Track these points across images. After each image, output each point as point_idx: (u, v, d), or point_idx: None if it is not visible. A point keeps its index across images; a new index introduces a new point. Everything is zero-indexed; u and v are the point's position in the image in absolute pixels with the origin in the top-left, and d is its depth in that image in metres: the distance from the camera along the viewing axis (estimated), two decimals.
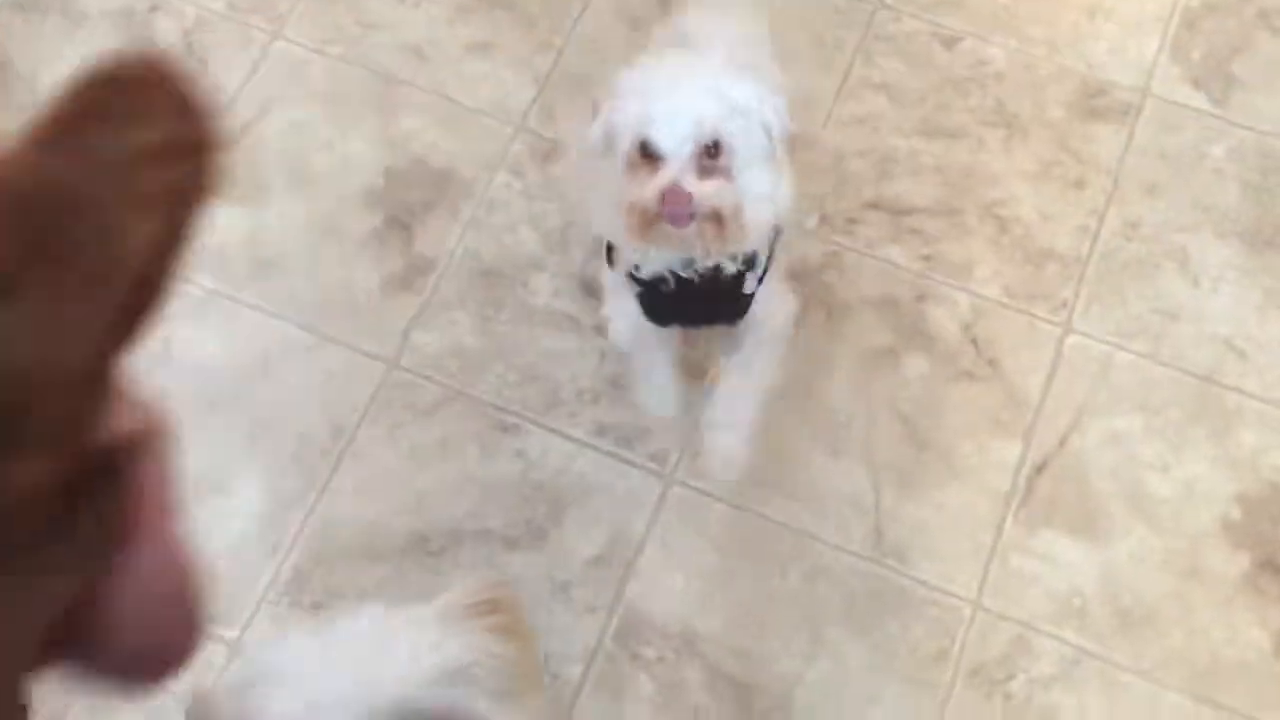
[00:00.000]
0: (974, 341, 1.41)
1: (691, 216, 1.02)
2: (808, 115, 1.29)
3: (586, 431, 1.37)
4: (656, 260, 1.13)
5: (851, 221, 1.48)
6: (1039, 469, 1.33)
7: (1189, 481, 1.32)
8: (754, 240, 1.12)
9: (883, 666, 1.24)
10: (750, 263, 1.16)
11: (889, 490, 1.33)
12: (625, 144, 1.05)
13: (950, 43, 1.58)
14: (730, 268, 1.14)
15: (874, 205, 1.49)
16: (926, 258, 1.45)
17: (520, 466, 1.36)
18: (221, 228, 1.47)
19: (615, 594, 1.29)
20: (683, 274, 1.13)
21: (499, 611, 0.81)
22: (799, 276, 1.44)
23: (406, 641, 0.74)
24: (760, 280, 1.19)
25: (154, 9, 1.62)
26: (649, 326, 1.23)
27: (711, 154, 1.03)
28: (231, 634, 1.26)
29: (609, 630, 1.26)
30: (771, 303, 1.22)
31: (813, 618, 1.27)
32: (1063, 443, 1.34)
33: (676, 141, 1.02)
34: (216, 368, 1.40)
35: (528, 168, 1.52)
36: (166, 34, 1.60)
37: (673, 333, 1.28)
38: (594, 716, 1.24)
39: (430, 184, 1.51)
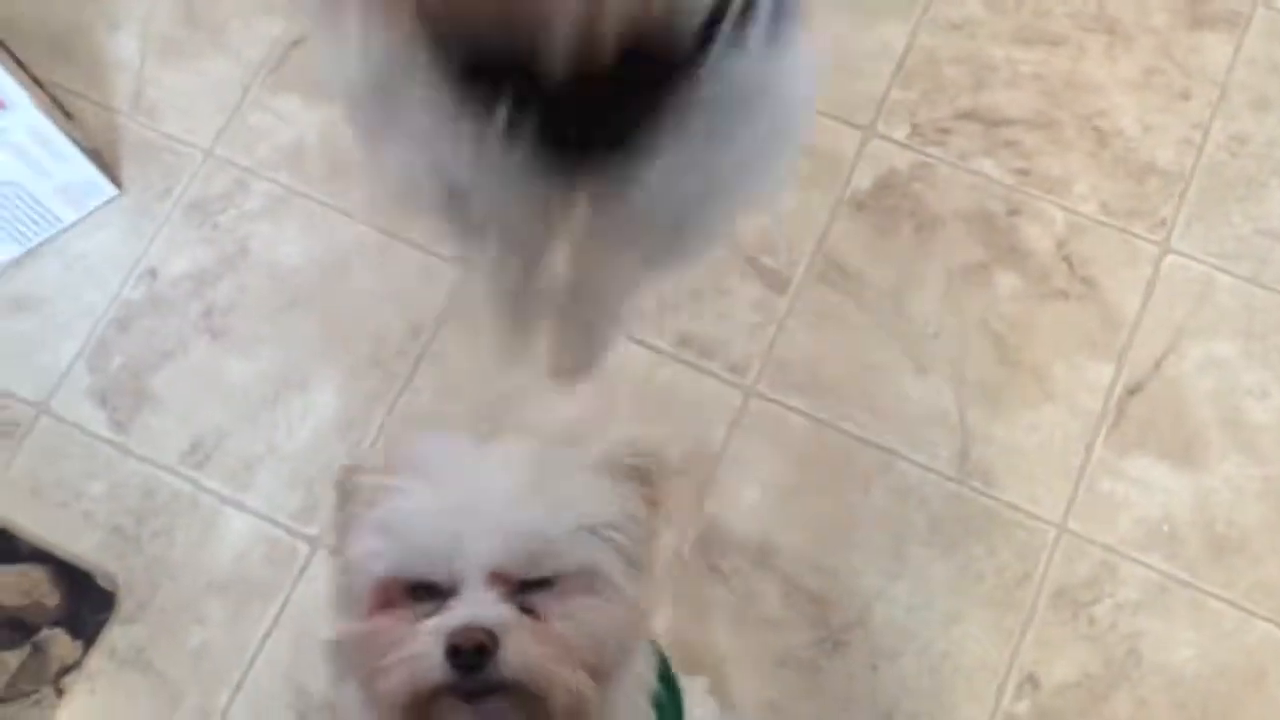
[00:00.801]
0: (1068, 259, 1.36)
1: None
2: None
3: (669, 342, 1.35)
4: None
5: (944, 131, 1.43)
6: (1133, 391, 1.30)
7: None
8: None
9: (965, 588, 1.22)
10: None
11: (976, 409, 1.30)
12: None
13: None
14: None
15: (968, 115, 1.43)
16: (1022, 171, 1.40)
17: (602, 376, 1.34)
18: (296, 120, 1.45)
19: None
20: None
21: (650, 483, 0.70)
22: (888, 186, 1.40)
23: (557, 481, 0.67)
24: None
25: None
26: None
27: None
28: (312, 531, 1.27)
29: (686, 541, 1.25)
30: None
31: (895, 536, 1.25)
32: (1158, 366, 1.31)
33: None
34: (295, 267, 1.39)
35: None
36: None
37: None
38: (670, 627, 1.25)
39: None
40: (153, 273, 1.39)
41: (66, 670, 1.23)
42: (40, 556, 1.25)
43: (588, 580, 0.64)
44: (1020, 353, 1.32)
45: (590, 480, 0.68)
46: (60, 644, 1.23)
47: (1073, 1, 1.48)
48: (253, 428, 1.32)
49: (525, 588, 0.63)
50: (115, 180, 1.41)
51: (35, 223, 1.36)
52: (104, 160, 1.41)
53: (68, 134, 1.31)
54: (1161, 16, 1.47)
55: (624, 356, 1.34)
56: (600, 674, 0.62)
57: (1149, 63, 1.45)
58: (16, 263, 1.39)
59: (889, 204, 1.40)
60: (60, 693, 1.23)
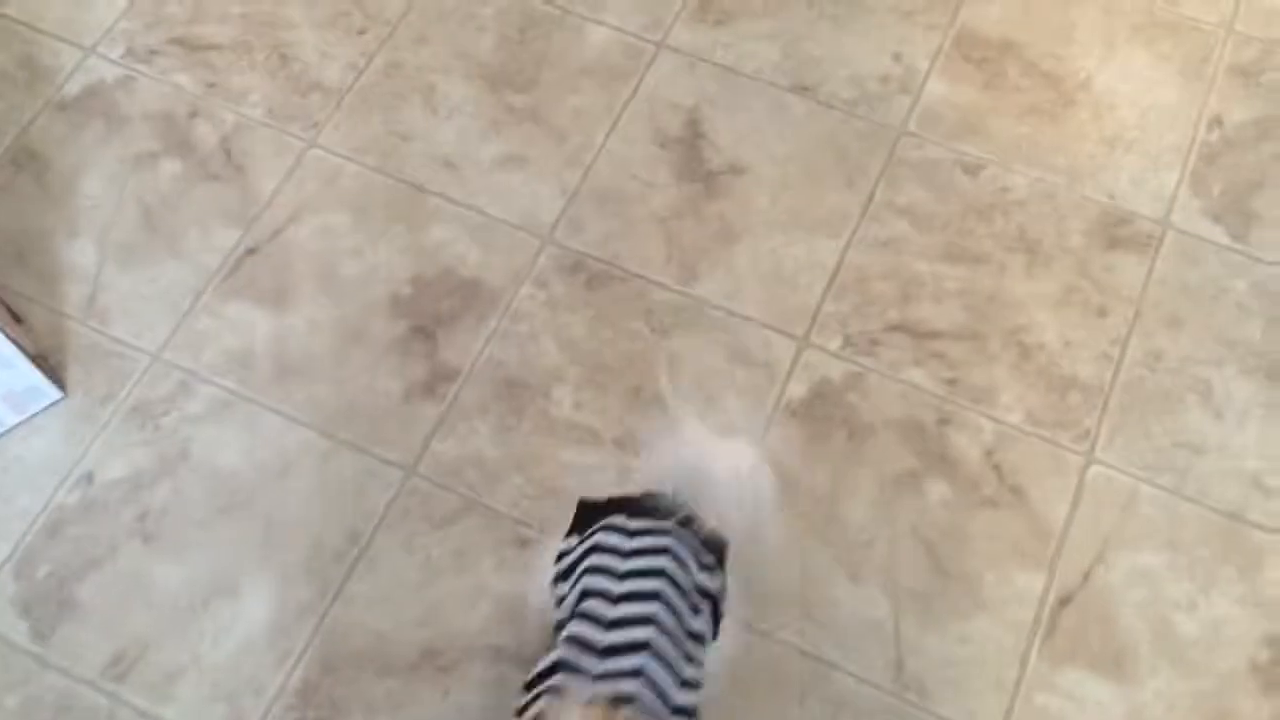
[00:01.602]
0: (997, 468, 1.40)
1: None
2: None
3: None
4: None
5: (874, 343, 1.48)
6: (1064, 602, 1.31)
7: (1217, 622, 1.29)
8: None
9: None
10: None
11: (910, 619, 1.30)
12: None
13: (973, 170, 1.61)
14: None
15: (897, 328, 1.49)
16: (950, 381, 1.45)
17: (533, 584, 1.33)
18: (246, 329, 1.49)
19: None
20: None
21: None
22: (822, 395, 1.44)
23: None
24: None
25: (194, 115, 1.66)
26: None
27: None
28: None
29: None
30: None
31: None
32: (1087, 576, 1.32)
33: None
34: (234, 471, 1.40)
35: (553, 280, 1.53)
36: (205, 139, 1.64)
37: None
38: None
39: (457, 293, 1.52)
40: (89, 477, 1.39)
41: None
42: None
43: None
44: (952, 561, 1.34)
45: None
46: None
47: (995, 223, 1.57)
48: (179, 637, 1.30)
49: None
50: (60, 384, 1.42)
51: None
52: (50, 364, 1.43)
53: (14, 340, 1.33)
54: (1078, 238, 1.56)
55: None
56: None
57: (1068, 281, 1.53)
58: None
59: (823, 412, 1.44)
60: None
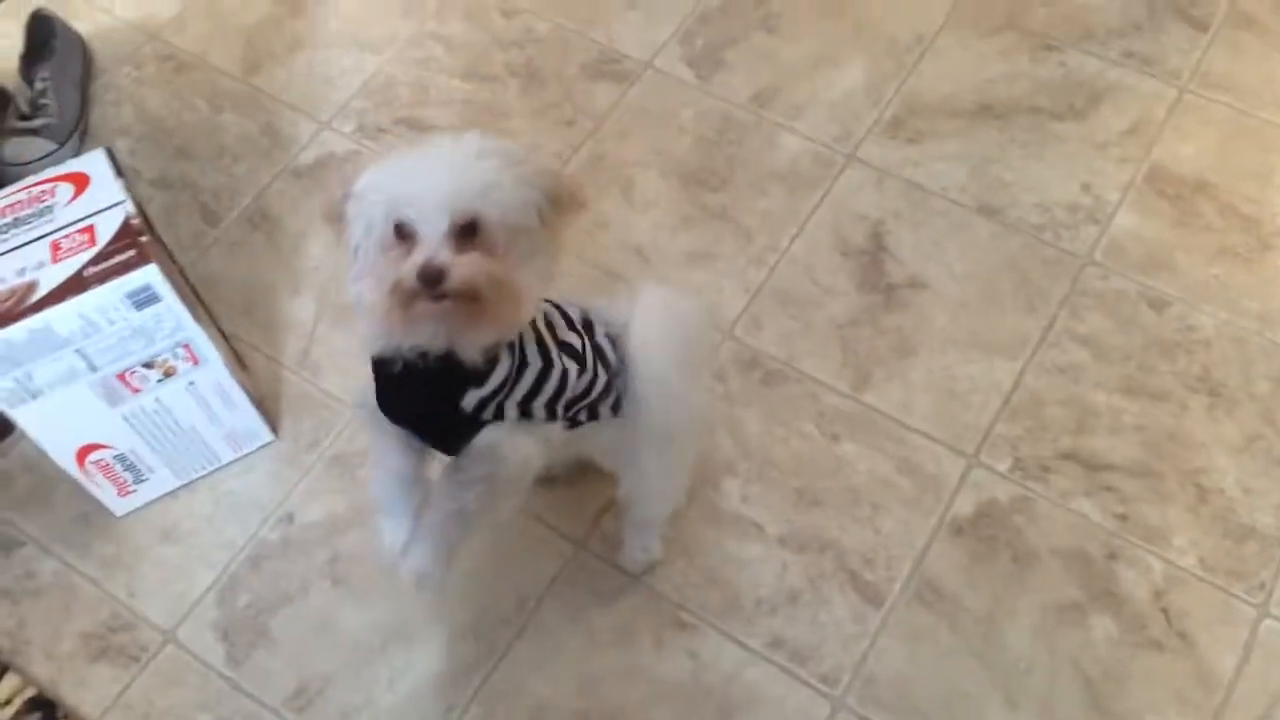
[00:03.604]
0: (1165, 610, 1.38)
1: (445, 293, 0.97)
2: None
3: (762, 642, 1.39)
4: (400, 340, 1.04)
5: (1045, 469, 1.49)
6: None
7: None
8: (513, 325, 1.06)
9: None
10: (480, 378, 1.07)
11: None
12: (380, 227, 1.00)
13: (1159, 305, 1.61)
14: (472, 357, 1.04)
15: (1070, 456, 1.50)
16: (1121, 516, 1.45)
17: (692, 666, 1.38)
18: None
19: None
20: (413, 358, 1.04)
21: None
22: (988, 515, 1.45)
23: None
24: (489, 411, 1.09)
25: None
26: (394, 453, 1.14)
27: (468, 232, 0.98)
28: None
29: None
30: (503, 447, 1.10)
31: None
32: None
33: (430, 218, 0.97)
34: None
35: (731, 374, 1.59)
36: None
37: (417, 461, 1.15)
38: None
39: None
40: (290, 517, 1.51)
41: None
42: None
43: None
44: (1112, 700, 1.32)
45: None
46: None
47: (1178, 360, 1.57)
48: (356, 677, 1.39)
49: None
50: (274, 427, 1.55)
51: (198, 460, 1.50)
52: (266, 409, 1.56)
53: (242, 385, 1.46)
54: (1265, 385, 1.54)
55: (714, 650, 1.38)
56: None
57: (1252, 428, 1.51)
58: (173, 494, 1.52)
59: (988, 533, 1.45)
60: None
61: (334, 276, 1.71)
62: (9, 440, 1.55)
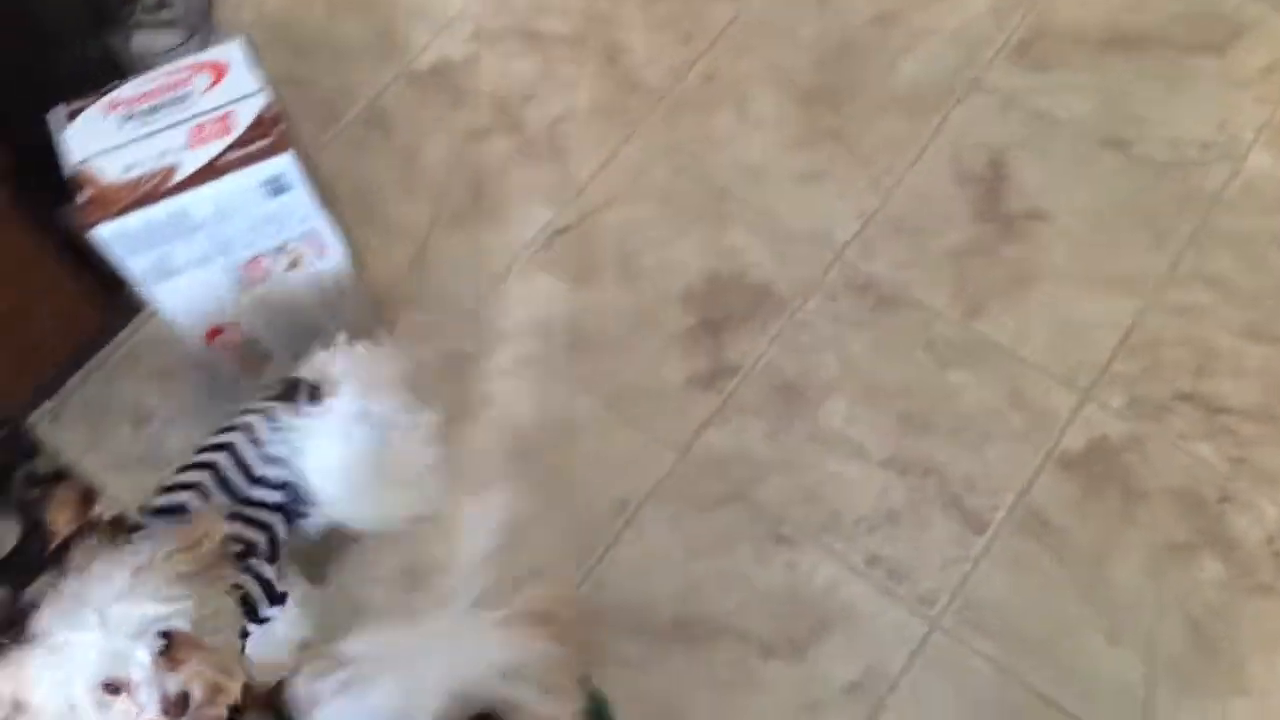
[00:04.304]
0: (1277, 555, 1.35)
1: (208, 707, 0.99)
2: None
3: (860, 559, 1.39)
4: None
5: (1161, 409, 1.46)
6: None
7: None
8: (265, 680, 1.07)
9: None
10: None
11: (1165, 690, 1.28)
12: (84, 701, 0.97)
13: None
14: None
15: (1187, 397, 1.46)
16: (1237, 460, 1.41)
17: (789, 579, 1.39)
18: (550, 301, 1.61)
19: None
20: None
21: (553, 622, 0.94)
22: (1099, 451, 1.43)
23: (475, 642, 0.92)
24: None
25: (528, 98, 1.80)
26: None
27: (169, 646, 0.98)
28: None
29: None
30: None
31: None
32: None
33: (130, 659, 0.96)
34: (527, 424, 1.51)
35: (841, 296, 1.58)
36: (534, 122, 1.77)
37: None
38: None
39: (747, 295, 1.60)
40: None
41: None
42: None
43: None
44: (1218, 642, 1.30)
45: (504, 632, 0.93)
46: None
47: None
48: (458, 565, 1.42)
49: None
50: (384, 325, 1.58)
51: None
52: (378, 307, 1.58)
53: (360, 281, 1.48)
54: None
55: (812, 564, 1.39)
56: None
57: None
58: None
59: (1098, 469, 1.43)
60: None
61: (450, 180, 1.73)
62: (138, 319, 1.60)
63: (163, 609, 0.98)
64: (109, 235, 1.25)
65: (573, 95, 1.80)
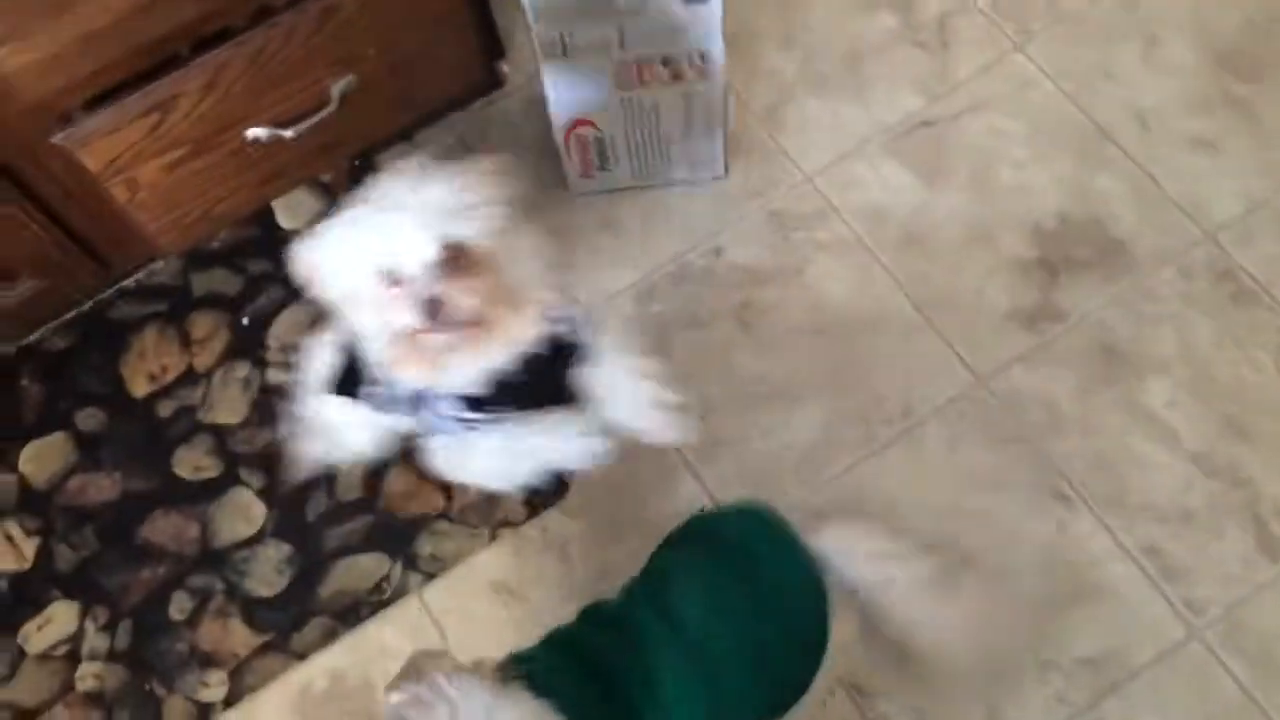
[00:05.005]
0: None
1: (448, 322, 0.99)
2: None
3: (1136, 544, 1.33)
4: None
5: None
6: None
7: None
8: (523, 337, 1.06)
9: None
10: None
11: None
12: (368, 286, 1.00)
13: None
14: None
15: None
16: None
17: (1056, 537, 1.35)
18: (894, 190, 1.57)
19: (1090, 703, 1.26)
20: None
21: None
22: None
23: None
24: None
25: None
26: None
27: (454, 257, 0.98)
28: None
29: None
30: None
31: None
32: None
33: (411, 256, 0.97)
34: (835, 304, 1.50)
35: (1199, 277, 1.48)
36: (927, 7, 1.70)
37: None
38: None
39: (1097, 245, 1.51)
40: (718, 251, 1.55)
41: (506, 524, 1.40)
42: None
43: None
44: None
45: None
46: (510, 503, 1.40)
47: None
48: (737, 415, 1.44)
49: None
50: (727, 166, 1.58)
51: (657, 169, 1.55)
52: (727, 145, 1.58)
53: (725, 114, 1.49)
54: None
55: (1085, 531, 1.34)
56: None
57: None
58: (623, 192, 1.58)
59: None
60: (493, 538, 1.40)
61: (827, 43, 1.69)
62: (499, 93, 1.66)
63: (463, 219, 0.99)
64: None
65: None
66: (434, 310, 0.98)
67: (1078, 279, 1.49)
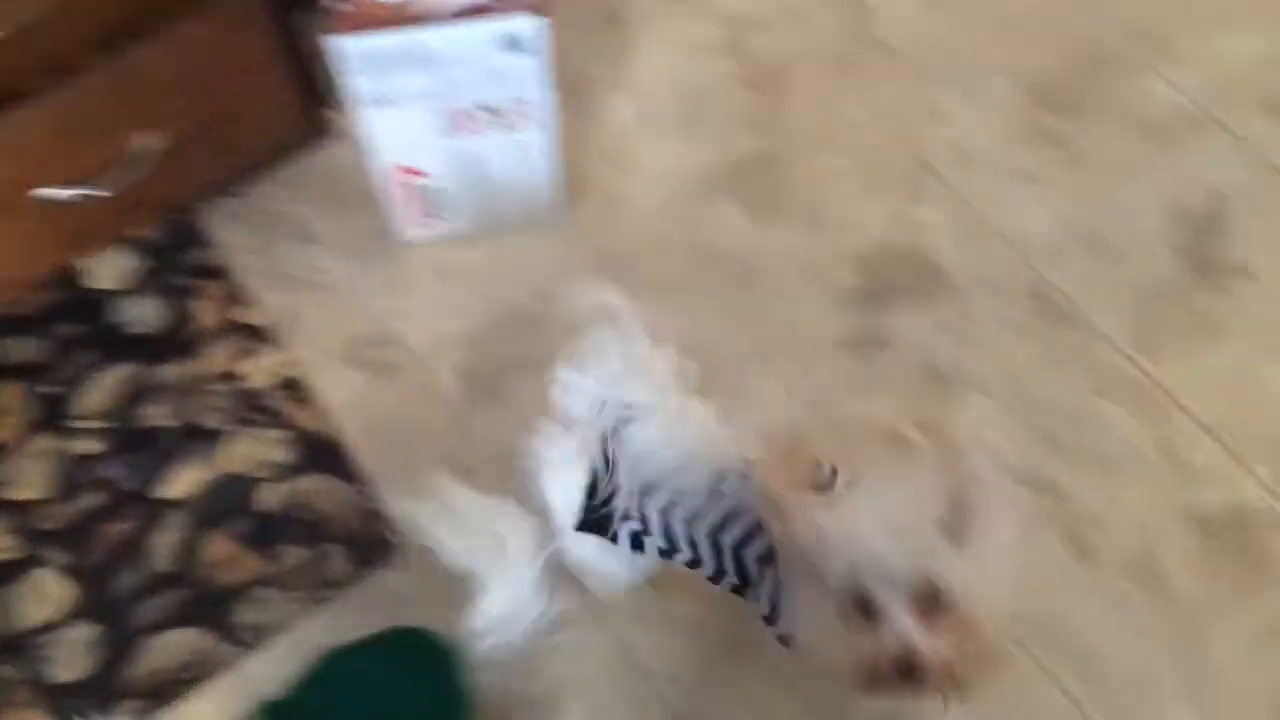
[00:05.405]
0: None
1: (921, 679, 0.90)
2: None
3: None
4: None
5: None
6: None
7: None
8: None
9: None
10: None
11: None
12: (840, 590, 0.91)
13: None
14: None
15: None
16: None
17: None
18: (723, 229, 1.60)
19: None
20: None
21: None
22: (1238, 525, 1.36)
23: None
24: None
25: (761, 28, 1.78)
26: None
27: (929, 596, 0.89)
28: None
29: None
30: None
31: None
32: None
33: (891, 588, 0.88)
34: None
35: (1017, 299, 1.54)
36: (761, 54, 1.74)
37: None
38: None
39: (920, 273, 1.57)
40: (554, 295, 1.55)
41: (332, 584, 1.37)
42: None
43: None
44: None
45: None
46: (337, 564, 1.38)
47: None
48: None
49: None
50: (565, 209, 1.60)
51: (489, 215, 1.56)
52: (564, 189, 1.60)
53: (556, 160, 1.51)
54: None
55: None
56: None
57: None
58: (457, 239, 1.60)
59: (1232, 539, 1.37)
60: (317, 602, 1.37)
61: (657, 85, 1.73)
62: (324, 141, 1.65)
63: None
64: (353, 49, 1.26)
65: (808, 37, 1.77)
66: (909, 669, 0.89)
67: (902, 306, 1.54)
